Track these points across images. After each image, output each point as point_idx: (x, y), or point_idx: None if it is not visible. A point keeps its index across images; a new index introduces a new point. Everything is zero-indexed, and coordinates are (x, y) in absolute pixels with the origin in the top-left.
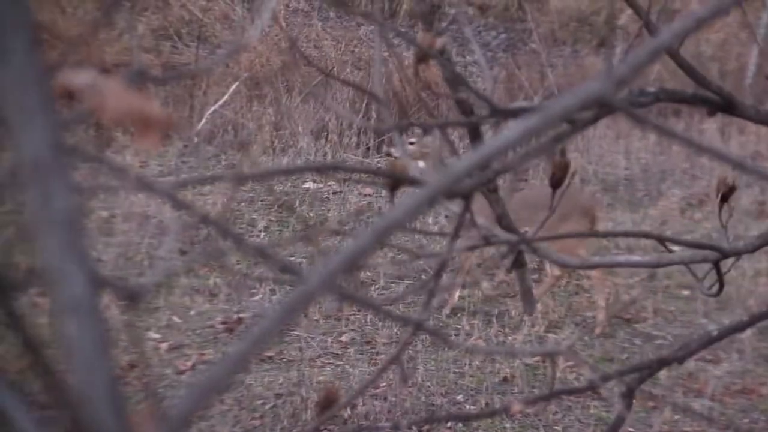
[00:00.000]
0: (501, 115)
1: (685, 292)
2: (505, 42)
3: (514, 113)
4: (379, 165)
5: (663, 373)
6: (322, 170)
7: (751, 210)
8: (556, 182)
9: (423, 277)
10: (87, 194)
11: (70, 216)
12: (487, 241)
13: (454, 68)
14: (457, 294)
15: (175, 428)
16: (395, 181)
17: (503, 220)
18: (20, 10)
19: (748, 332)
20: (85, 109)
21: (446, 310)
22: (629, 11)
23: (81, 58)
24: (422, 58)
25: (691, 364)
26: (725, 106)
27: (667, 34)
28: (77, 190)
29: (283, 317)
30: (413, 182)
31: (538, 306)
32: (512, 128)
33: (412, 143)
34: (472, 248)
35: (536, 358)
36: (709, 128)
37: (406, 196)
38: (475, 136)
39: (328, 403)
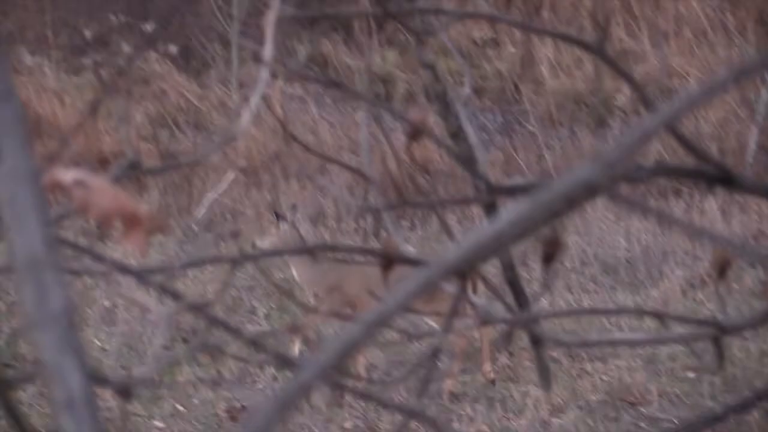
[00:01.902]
0: (497, 192)
1: (691, 375)
2: (502, 124)
3: (510, 191)
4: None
5: None
6: (317, 252)
7: (755, 290)
8: (547, 259)
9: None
10: (86, 285)
11: (65, 312)
12: (485, 320)
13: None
14: (452, 379)
15: None
16: (388, 260)
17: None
18: (12, 108)
19: (756, 414)
20: (74, 206)
21: (445, 396)
22: (627, 91)
23: (79, 148)
24: (414, 135)
25: None
26: (725, 179)
27: (661, 115)
28: (72, 284)
29: (279, 409)
30: (407, 262)
31: (541, 390)
32: (505, 213)
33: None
34: (469, 328)
35: None
36: (710, 208)
37: (402, 280)
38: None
39: None
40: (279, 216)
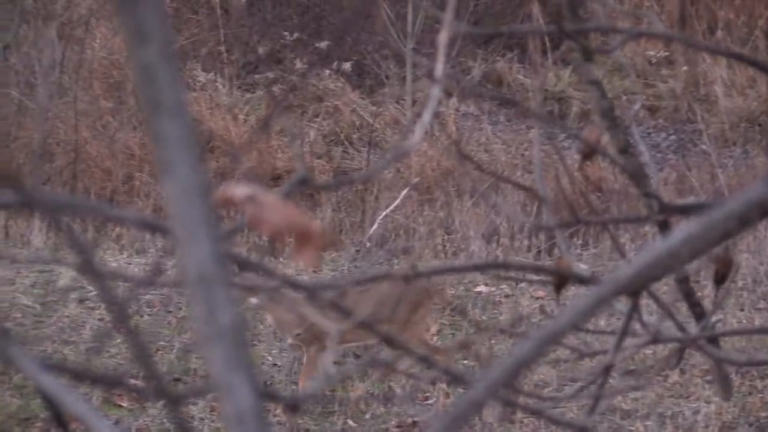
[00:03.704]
0: (670, 211)
1: None
2: (675, 143)
3: (683, 210)
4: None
5: None
6: (489, 269)
7: None
8: (719, 279)
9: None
10: (258, 302)
11: (235, 328)
12: (656, 339)
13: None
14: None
15: None
16: (561, 278)
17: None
18: (183, 123)
19: None
20: (245, 222)
21: (616, 413)
22: None
23: (251, 165)
24: (589, 154)
25: None
26: None
27: None
28: (243, 300)
29: (451, 425)
30: (580, 280)
31: (712, 407)
32: (678, 232)
33: None
34: (640, 347)
35: None
36: None
37: (575, 297)
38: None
39: None
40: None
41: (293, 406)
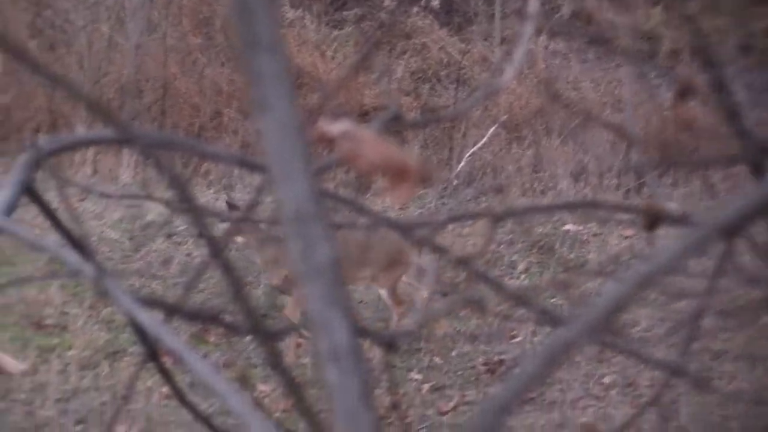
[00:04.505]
0: (764, 152)
1: None
2: None
3: None
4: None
5: None
6: (579, 208)
7: None
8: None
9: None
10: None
11: (331, 266)
12: (749, 281)
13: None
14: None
15: None
16: (654, 219)
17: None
18: (279, 59)
19: None
20: (340, 157)
21: (706, 354)
22: None
23: (339, 102)
24: (683, 94)
25: None
26: None
27: None
28: (336, 237)
29: (545, 363)
30: (674, 220)
31: None
32: None
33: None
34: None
35: None
36: None
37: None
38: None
39: None
40: (231, 206)
41: (389, 344)
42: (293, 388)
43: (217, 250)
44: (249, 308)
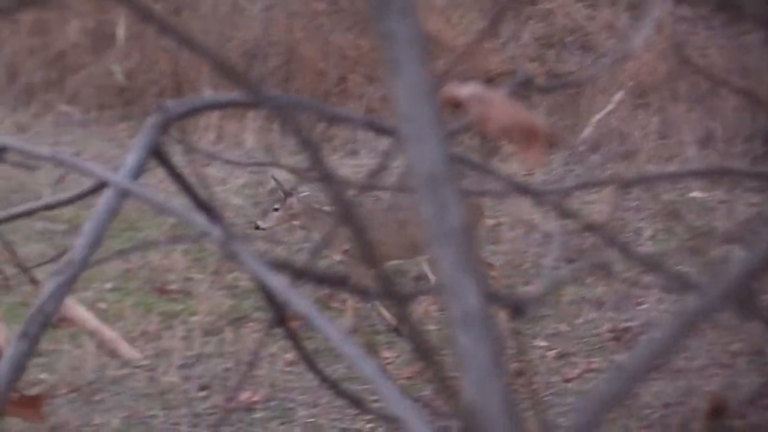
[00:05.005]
0: None
1: None
2: None
3: None
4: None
5: None
6: (706, 175)
7: None
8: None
9: None
10: (476, 203)
11: (463, 230)
12: None
13: None
14: None
15: None
16: None
17: None
18: (412, 23)
19: None
20: (470, 121)
21: None
22: None
23: (466, 68)
24: None
25: None
26: None
27: None
28: (467, 202)
29: (679, 331)
30: None
31: None
32: None
33: (276, 209)
34: None
35: None
36: None
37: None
38: None
39: (716, 412)
40: (286, 194)
41: (518, 310)
42: (425, 351)
43: (348, 215)
44: (381, 272)
